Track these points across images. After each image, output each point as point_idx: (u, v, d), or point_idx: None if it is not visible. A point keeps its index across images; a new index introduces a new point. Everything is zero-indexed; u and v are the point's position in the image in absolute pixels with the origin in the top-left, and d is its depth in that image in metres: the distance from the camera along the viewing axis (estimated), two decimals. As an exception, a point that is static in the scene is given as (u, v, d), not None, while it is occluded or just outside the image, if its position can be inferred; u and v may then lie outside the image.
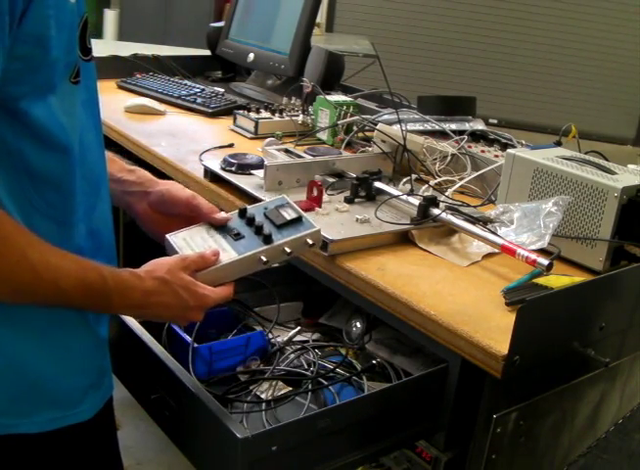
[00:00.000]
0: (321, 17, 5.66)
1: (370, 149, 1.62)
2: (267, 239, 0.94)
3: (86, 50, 0.82)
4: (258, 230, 0.95)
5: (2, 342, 0.81)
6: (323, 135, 1.78)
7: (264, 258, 0.93)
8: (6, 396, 0.83)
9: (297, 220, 0.97)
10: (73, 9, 0.77)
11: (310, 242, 0.95)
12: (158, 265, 0.90)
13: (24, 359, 0.83)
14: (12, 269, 0.74)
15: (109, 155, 0.96)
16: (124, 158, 1.92)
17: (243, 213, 0.98)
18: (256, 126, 1.76)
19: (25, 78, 0.74)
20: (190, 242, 0.95)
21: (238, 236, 0.95)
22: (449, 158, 1.59)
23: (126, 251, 2.22)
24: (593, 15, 5.88)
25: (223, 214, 1.00)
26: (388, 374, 1.20)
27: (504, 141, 1.67)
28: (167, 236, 0.96)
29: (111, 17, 5.89)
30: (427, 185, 1.42)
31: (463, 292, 1.09)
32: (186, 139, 1.73)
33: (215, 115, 1.97)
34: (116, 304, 0.85)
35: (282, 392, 1.16)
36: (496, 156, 1.59)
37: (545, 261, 1.07)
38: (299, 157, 1.47)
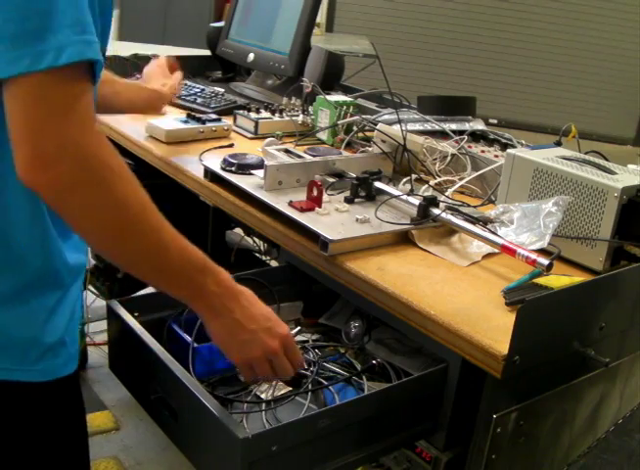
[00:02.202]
0: (321, 17, 5.66)
1: (370, 149, 1.62)
2: None
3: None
4: None
5: None
6: (323, 135, 1.78)
7: None
8: None
9: None
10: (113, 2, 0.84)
11: None
12: None
13: None
14: (126, 197, 0.79)
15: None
16: (124, 157, 1.92)
17: None
18: (256, 126, 1.77)
19: None
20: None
21: None
22: (449, 158, 1.59)
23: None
24: (593, 15, 5.87)
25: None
26: (388, 374, 1.20)
27: (504, 141, 1.67)
28: None
29: (111, 17, 5.89)
30: (427, 185, 1.42)
31: (463, 292, 1.09)
32: (186, 139, 1.73)
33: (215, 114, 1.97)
34: (210, 279, 0.86)
35: (282, 392, 1.16)
36: (496, 156, 1.59)
37: (545, 261, 1.07)
38: (299, 157, 1.47)
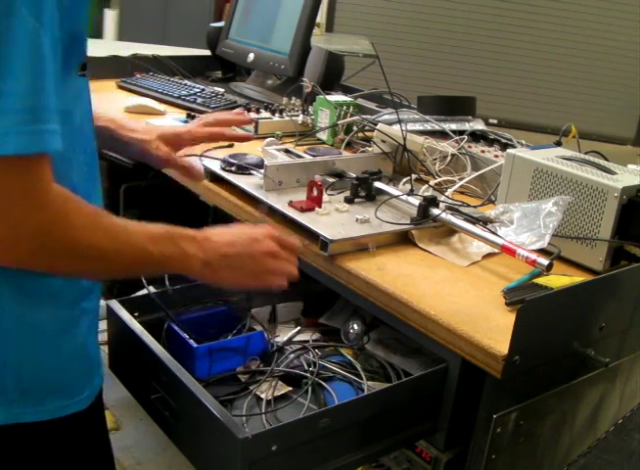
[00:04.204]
0: (321, 17, 5.66)
1: (370, 149, 1.62)
2: None
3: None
4: None
5: (20, 339, 0.83)
6: (323, 135, 1.78)
7: None
8: (19, 386, 0.84)
9: None
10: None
11: None
12: None
13: (40, 353, 0.85)
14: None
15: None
16: (125, 157, 1.92)
17: None
18: (256, 126, 1.76)
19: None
20: None
21: None
22: (449, 158, 1.59)
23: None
24: (593, 15, 5.88)
25: None
26: (388, 374, 1.20)
27: (504, 141, 1.67)
28: None
29: (111, 17, 5.89)
30: (427, 185, 1.42)
31: (463, 292, 1.09)
32: (186, 139, 1.73)
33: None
34: (184, 243, 0.86)
35: (282, 392, 1.16)
36: (496, 156, 1.59)
37: (545, 261, 1.07)
38: (299, 157, 1.47)
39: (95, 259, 0.79)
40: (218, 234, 0.93)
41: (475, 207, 1.37)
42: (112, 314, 1.20)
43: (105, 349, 1.27)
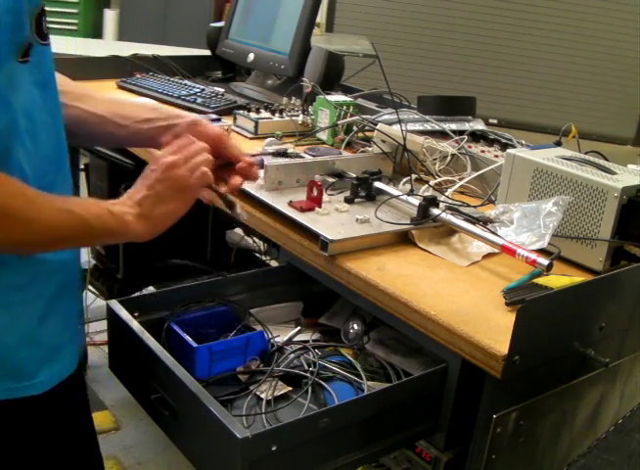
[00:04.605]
0: (321, 17, 5.66)
1: (370, 149, 1.62)
2: None
3: (43, 35, 0.85)
4: None
5: None
6: (323, 135, 1.78)
7: None
8: None
9: None
10: None
11: None
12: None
13: None
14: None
15: (135, 101, 1.03)
16: (125, 158, 1.92)
17: None
18: (256, 126, 1.76)
19: None
20: None
21: None
22: (449, 158, 1.59)
23: (126, 252, 2.21)
24: (593, 15, 5.87)
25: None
26: (388, 374, 1.20)
27: (504, 141, 1.67)
28: None
29: (111, 17, 5.89)
30: (427, 185, 1.42)
31: (463, 292, 1.09)
32: (186, 139, 1.73)
33: (215, 115, 1.97)
34: (118, 201, 0.88)
35: (282, 392, 1.16)
36: (496, 156, 1.59)
37: (545, 261, 1.07)
38: (299, 157, 1.47)
39: (23, 228, 0.78)
40: (129, 191, 0.94)
41: (475, 207, 1.37)
42: (111, 314, 1.20)
43: (105, 349, 1.27)
